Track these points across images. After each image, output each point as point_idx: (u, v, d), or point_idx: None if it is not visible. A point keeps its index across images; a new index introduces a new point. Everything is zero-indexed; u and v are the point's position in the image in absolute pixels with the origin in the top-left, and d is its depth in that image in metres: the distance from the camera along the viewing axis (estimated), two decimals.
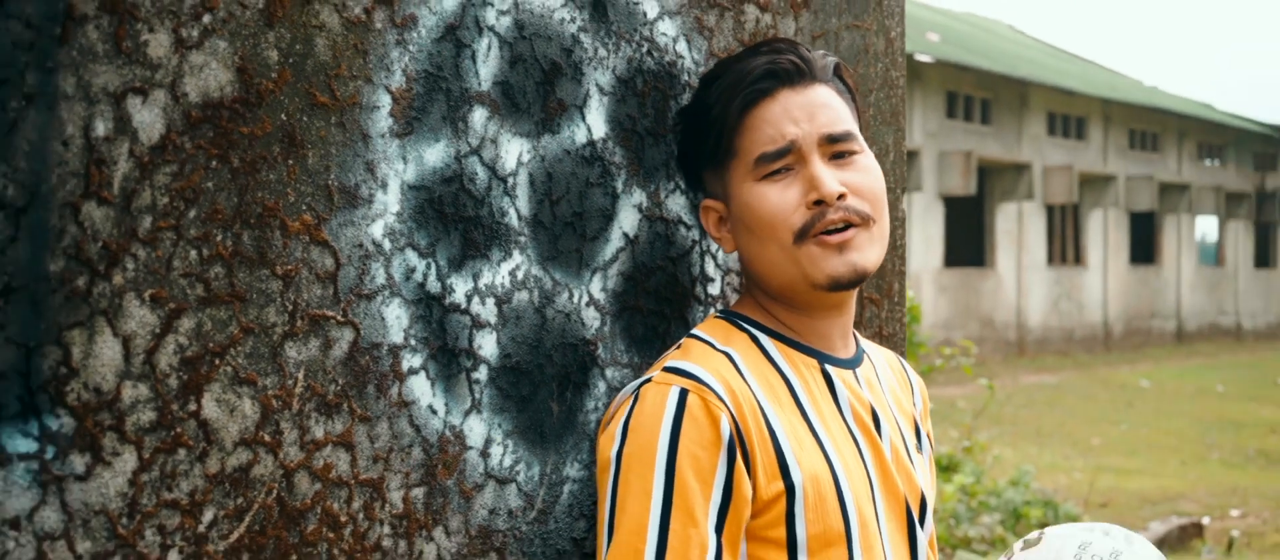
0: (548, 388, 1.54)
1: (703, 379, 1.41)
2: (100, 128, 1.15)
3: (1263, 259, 32.73)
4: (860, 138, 1.51)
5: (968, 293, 23.10)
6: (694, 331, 1.53)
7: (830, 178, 1.44)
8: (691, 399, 1.39)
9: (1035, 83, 24.25)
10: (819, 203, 1.44)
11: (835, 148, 1.47)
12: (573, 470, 1.56)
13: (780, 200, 1.46)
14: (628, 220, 1.63)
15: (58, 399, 1.12)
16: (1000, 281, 24.30)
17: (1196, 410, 16.08)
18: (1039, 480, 9.48)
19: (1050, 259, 26.02)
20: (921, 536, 1.54)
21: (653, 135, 1.66)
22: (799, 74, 1.48)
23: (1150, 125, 28.61)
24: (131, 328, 1.17)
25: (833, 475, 1.44)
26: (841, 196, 1.45)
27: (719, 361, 1.45)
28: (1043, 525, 7.89)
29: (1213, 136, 30.77)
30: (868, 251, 1.46)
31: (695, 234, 1.72)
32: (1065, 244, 26.62)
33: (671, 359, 1.46)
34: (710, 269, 1.75)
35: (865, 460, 1.49)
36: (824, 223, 1.44)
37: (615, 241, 1.61)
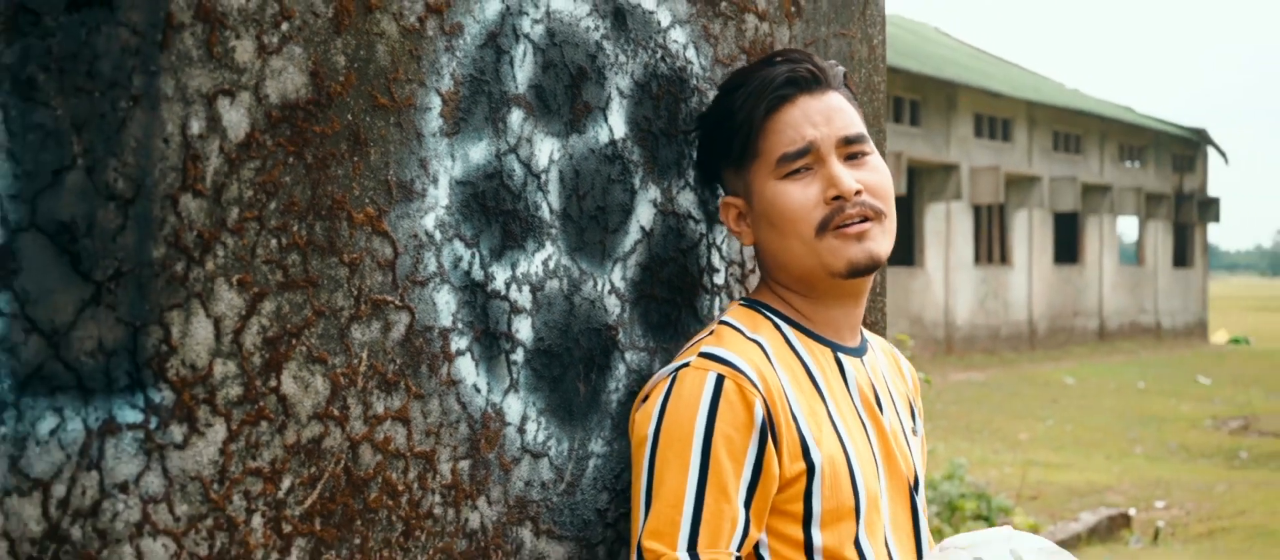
0: (575, 369, 1.66)
1: (739, 366, 1.54)
2: (195, 126, 1.25)
3: (1181, 259, 33.56)
4: (870, 140, 1.66)
5: (897, 292, 23.46)
6: (725, 318, 1.66)
7: (847, 176, 1.59)
8: (728, 385, 1.52)
9: (963, 85, 24.69)
10: (838, 198, 1.58)
11: (850, 149, 1.61)
12: (597, 446, 1.69)
13: (802, 197, 1.59)
14: (644, 215, 1.76)
15: (159, 374, 1.23)
16: (929, 280, 24.72)
17: (1120, 406, 16.52)
18: (970, 474, 9.72)
19: (977, 258, 26.50)
20: (920, 508, 1.69)
21: (666, 135, 1.79)
22: (815, 81, 1.62)
23: (1073, 127, 29.23)
24: (221, 310, 1.28)
25: (846, 456, 1.58)
26: (858, 193, 1.59)
27: (752, 350, 1.58)
28: (978, 517, 8.14)
29: (1133, 139, 31.49)
30: (881, 242, 1.61)
31: (702, 228, 1.85)
32: (991, 244, 27.13)
33: (707, 344, 1.59)
34: (716, 261, 1.88)
35: (871, 442, 1.63)
36: (842, 217, 1.58)
37: (633, 234, 1.74)
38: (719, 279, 1.88)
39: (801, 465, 1.55)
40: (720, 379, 1.53)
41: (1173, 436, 13.72)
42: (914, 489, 1.68)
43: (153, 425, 1.22)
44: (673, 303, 1.80)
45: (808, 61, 1.63)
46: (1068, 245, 29.69)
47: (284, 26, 1.32)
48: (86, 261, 1.17)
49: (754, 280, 1.92)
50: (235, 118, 1.28)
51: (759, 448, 1.52)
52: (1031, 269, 27.61)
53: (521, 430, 1.59)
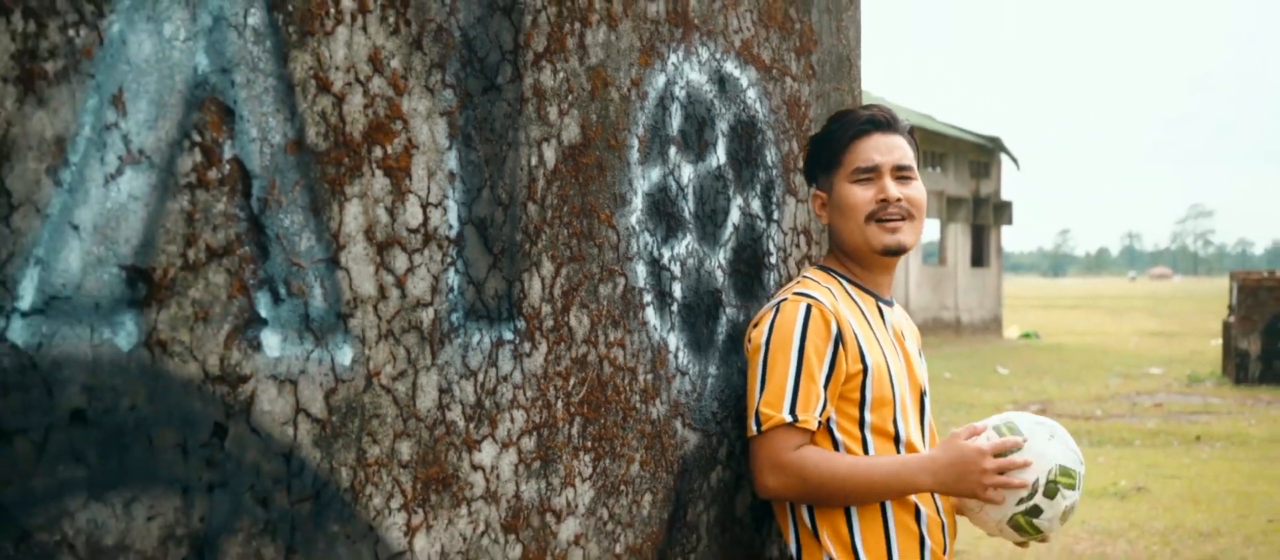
0: (701, 317, 2.51)
1: (820, 299, 2.41)
2: (533, 160, 2.05)
3: (978, 258, 35.90)
4: (916, 169, 2.54)
5: None
6: (806, 274, 2.52)
7: (893, 188, 2.47)
8: (814, 310, 2.39)
9: None
10: (883, 202, 2.47)
11: (900, 173, 2.50)
12: (712, 370, 2.54)
13: (862, 196, 2.47)
14: (735, 215, 2.61)
15: (518, 311, 2.03)
16: None
17: (931, 394, 17.98)
18: None
19: None
20: (927, 409, 2.58)
21: (745, 162, 2.65)
22: (887, 125, 2.50)
23: None
24: (545, 273, 2.08)
25: (886, 364, 2.46)
26: (898, 200, 2.47)
27: (824, 292, 2.45)
28: None
29: (934, 145, 33.59)
30: (908, 236, 2.49)
31: (763, 224, 2.72)
32: None
33: (799, 287, 2.45)
34: (771, 247, 2.75)
35: (899, 361, 2.53)
36: (884, 213, 2.47)
37: (729, 229, 2.59)
38: (773, 259, 2.75)
39: (859, 366, 2.42)
40: (809, 307, 2.40)
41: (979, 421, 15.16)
42: (923, 396, 2.58)
43: (518, 342, 2.02)
44: (749, 275, 2.67)
45: (885, 112, 2.51)
46: None
47: (571, 96, 2.14)
48: (490, 242, 1.97)
49: (790, 262, 2.79)
50: (549, 155, 2.09)
51: (834, 351, 2.39)
52: None
53: (676, 356, 2.43)
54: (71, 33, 1.38)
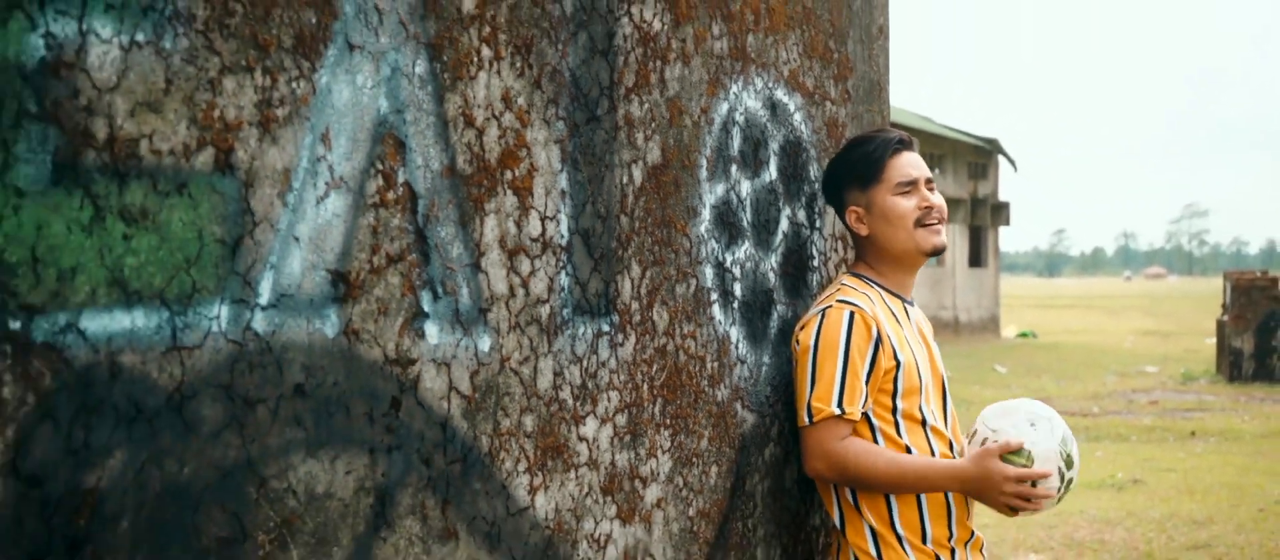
0: (757, 313, 2.87)
1: (861, 306, 2.78)
2: (625, 178, 2.42)
3: (975, 259, 36.31)
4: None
5: None
6: (843, 281, 2.89)
7: (933, 197, 2.84)
8: (857, 317, 2.76)
9: None
10: (927, 209, 2.83)
11: (929, 184, 2.86)
12: (765, 360, 2.90)
13: (907, 205, 2.83)
14: (784, 224, 2.98)
15: (613, 307, 2.40)
16: None
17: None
18: None
19: None
20: (948, 395, 2.95)
21: (793, 177, 3.01)
22: (911, 144, 2.86)
23: None
24: (633, 275, 2.45)
25: (914, 359, 2.83)
26: (937, 207, 2.84)
27: (863, 298, 2.82)
28: None
29: (933, 147, 33.99)
30: (944, 237, 2.86)
31: (808, 231, 3.08)
32: None
33: (840, 295, 2.82)
34: (814, 252, 3.11)
35: (923, 354, 2.89)
36: (928, 218, 2.83)
37: (779, 236, 2.96)
38: (815, 262, 3.12)
39: (893, 362, 2.79)
40: (852, 313, 2.77)
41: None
42: (944, 384, 2.95)
43: (613, 333, 2.39)
44: (795, 276, 3.04)
45: (905, 134, 2.88)
46: None
47: (654, 123, 2.50)
48: (592, 249, 2.34)
49: (830, 265, 3.16)
50: (637, 175, 2.46)
51: (874, 351, 2.76)
52: None
53: (737, 347, 2.80)
54: (294, 85, 1.75)
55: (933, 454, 2.82)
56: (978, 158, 36.45)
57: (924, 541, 2.80)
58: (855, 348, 2.74)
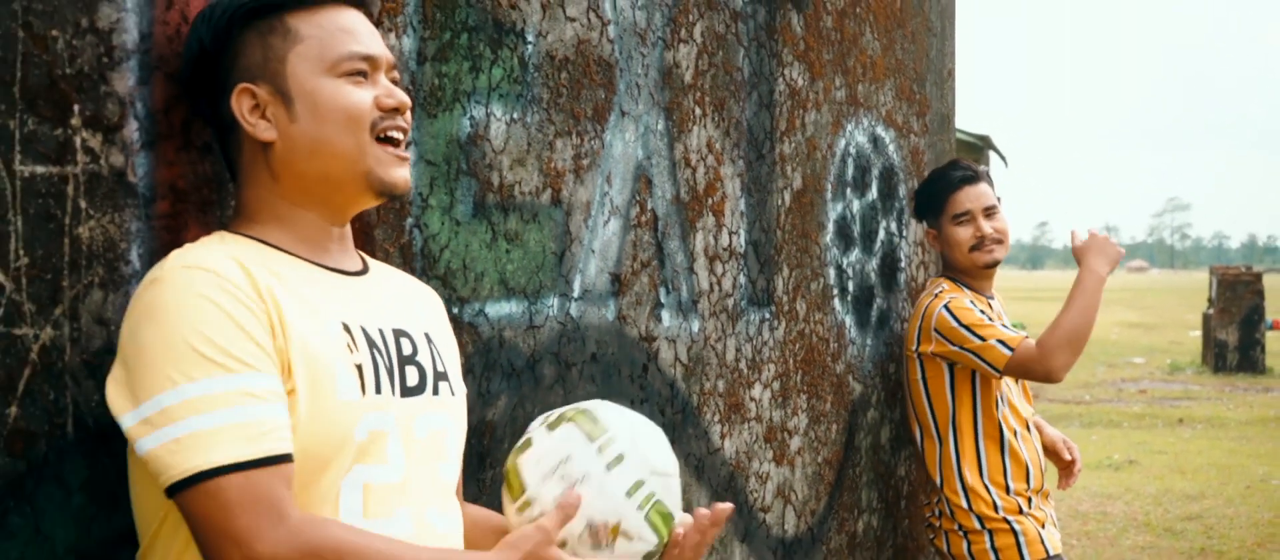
0: (863, 305, 3.62)
1: (965, 299, 3.52)
2: (778, 201, 3.16)
3: None
4: (998, 204, 3.66)
5: None
6: (940, 279, 3.63)
7: (985, 225, 3.57)
8: (965, 301, 3.49)
9: None
10: (980, 237, 3.56)
11: (988, 212, 3.60)
12: (868, 341, 3.65)
13: (963, 234, 3.57)
14: (882, 234, 3.73)
15: (771, 299, 3.14)
16: None
17: None
18: None
19: None
20: None
21: (888, 196, 3.76)
22: (973, 178, 3.60)
23: None
24: (784, 274, 3.19)
25: None
26: (989, 233, 3.58)
27: (963, 295, 3.56)
28: None
29: None
30: (999, 253, 3.58)
31: (898, 240, 3.83)
32: None
33: (945, 292, 3.55)
34: (902, 256, 3.87)
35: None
36: (981, 245, 3.56)
37: (878, 243, 3.71)
38: (903, 264, 3.88)
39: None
40: (948, 303, 3.51)
41: None
42: None
43: (771, 319, 3.14)
44: (889, 275, 3.79)
45: (971, 168, 3.62)
46: None
47: (798, 158, 3.24)
48: (759, 255, 3.08)
49: (913, 266, 3.91)
50: (786, 198, 3.20)
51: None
52: None
53: (849, 331, 3.55)
54: (592, 143, 2.49)
55: (1003, 401, 3.54)
56: (969, 154, 37.16)
57: (1008, 493, 3.52)
58: (982, 313, 3.46)
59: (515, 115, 2.28)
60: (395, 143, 1.61)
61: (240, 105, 1.57)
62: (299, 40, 1.57)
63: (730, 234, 2.95)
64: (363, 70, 1.58)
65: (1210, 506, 8.61)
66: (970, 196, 3.58)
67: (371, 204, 1.64)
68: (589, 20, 2.45)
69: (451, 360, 1.74)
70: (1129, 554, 7.41)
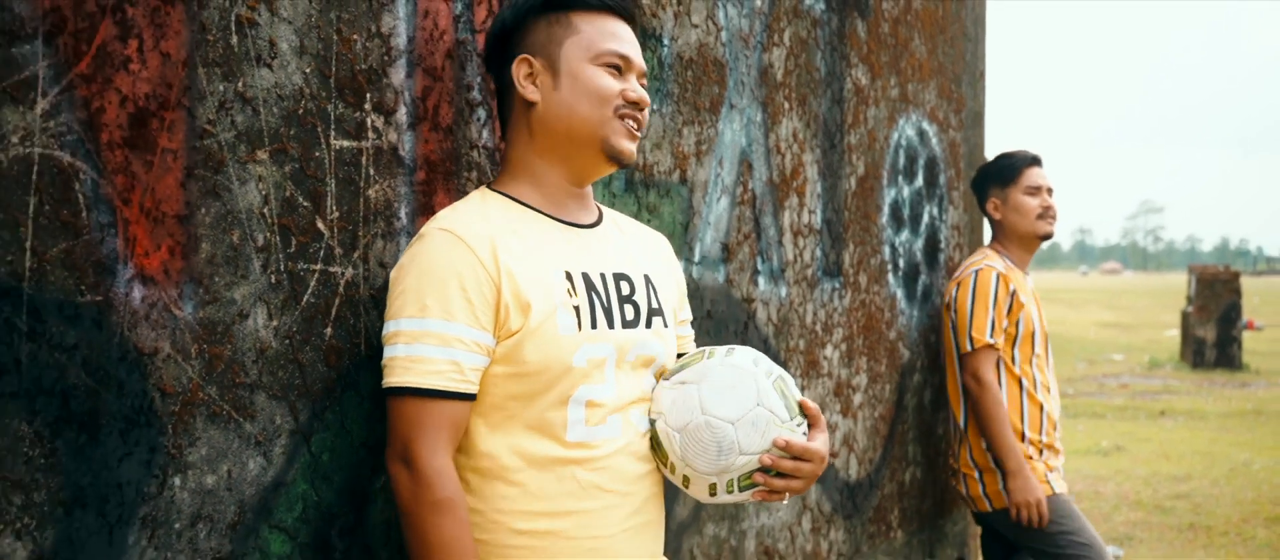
0: (910, 279, 4.07)
1: (1002, 270, 3.96)
2: (846, 186, 3.60)
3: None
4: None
5: None
6: (985, 251, 4.07)
7: (1051, 199, 4.01)
8: (1000, 276, 3.94)
9: None
10: (1047, 208, 4.01)
11: (1050, 192, 4.04)
12: (914, 312, 4.10)
13: (1033, 203, 4.01)
14: (926, 218, 4.18)
15: (840, 271, 3.57)
16: None
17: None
18: None
19: None
20: (1049, 344, 4.15)
21: (930, 184, 4.21)
22: (1039, 162, 4.04)
23: None
24: (850, 250, 3.63)
25: (1033, 311, 4.03)
26: (1052, 208, 4.03)
27: (1003, 264, 4.00)
28: None
29: None
30: (1054, 229, 4.04)
31: (939, 222, 4.28)
32: None
33: (984, 262, 3.99)
34: (942, 237, 4.31)
35: (1037, 310, 4.09)
36: (1047, 214, 4.01)
37: (923, 225, 4.16)
38: (943, 244, 4.32)
39: (1022, 307, 3.98)
40: (998, 274, 3.95)
41: None
42: (1047, 335, 4.15)
43: (840, 289, 3.57)
44: (932, 253, 4.24)
45: (1037, 155, 4.06)
46: None
47: (862, 148, 3.68)
48: (832, 232, 3.52)
49: (951, 247, 4.36)
50: (852, 183, 3.64)
51: (1011, 299, 3.94)
52: None
53: (900, 303, 3.99)
54: (709, 131, 2.92)
55: (1036, 376, 4.00)
56: None
57: (1023, 439, 3.97)
58: (1000, 297, 3.91)
59: (655, 107, 2.71)
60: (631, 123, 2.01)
61: (518, 71, 1.98)
62: (576, 31, 1.98)
63: (809, 213, 3.39)
64: (618, 65, 1.99)
65: (1197, 487, 9.11)
66: (1039, 175, 4.02)
67: (606, 170, 2.05)
68: (708, 26, 2.89)
69: (668, 298, 2.14)
70: (1122, 528, 7.90)
